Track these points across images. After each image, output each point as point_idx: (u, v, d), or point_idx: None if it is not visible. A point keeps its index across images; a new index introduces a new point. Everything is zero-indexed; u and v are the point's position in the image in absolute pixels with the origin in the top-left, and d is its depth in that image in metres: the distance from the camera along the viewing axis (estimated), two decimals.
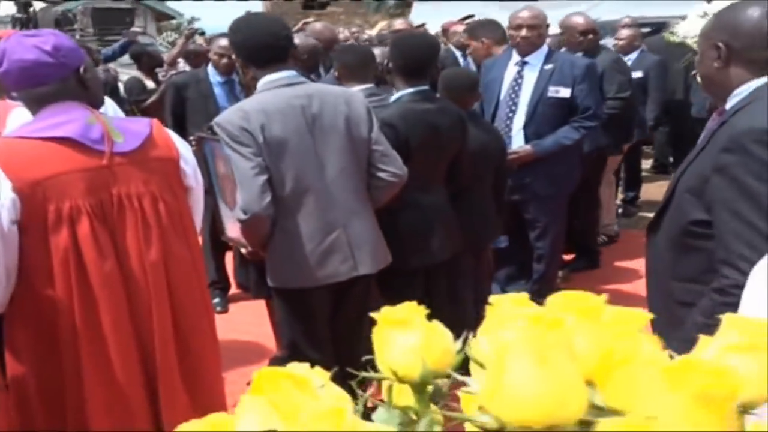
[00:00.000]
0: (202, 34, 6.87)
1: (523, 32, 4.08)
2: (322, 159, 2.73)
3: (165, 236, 2.02)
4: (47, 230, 1.87)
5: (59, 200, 1.87)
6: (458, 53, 6.27)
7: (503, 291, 4.34)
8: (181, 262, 2.08)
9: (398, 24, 7.07)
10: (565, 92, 3.99)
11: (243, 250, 2.99)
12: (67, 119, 1.93)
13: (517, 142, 4.06)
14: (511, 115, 4.11)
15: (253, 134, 2.63)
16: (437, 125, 3.16)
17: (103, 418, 1.95)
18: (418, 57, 3.19)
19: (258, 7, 18.98)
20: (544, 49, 4.14)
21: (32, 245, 1.88)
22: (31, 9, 5.68)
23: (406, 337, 0.64)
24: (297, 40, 3.53)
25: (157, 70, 6.79)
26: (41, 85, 1.95)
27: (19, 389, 1.96)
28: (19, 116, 2.41)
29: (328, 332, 2.94)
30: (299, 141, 2.68)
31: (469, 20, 7.22)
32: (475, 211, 3.54)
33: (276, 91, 2.71)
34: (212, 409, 2.11)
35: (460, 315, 3.45)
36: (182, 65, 6.94)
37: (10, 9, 6.71)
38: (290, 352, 3.03)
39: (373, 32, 8.41)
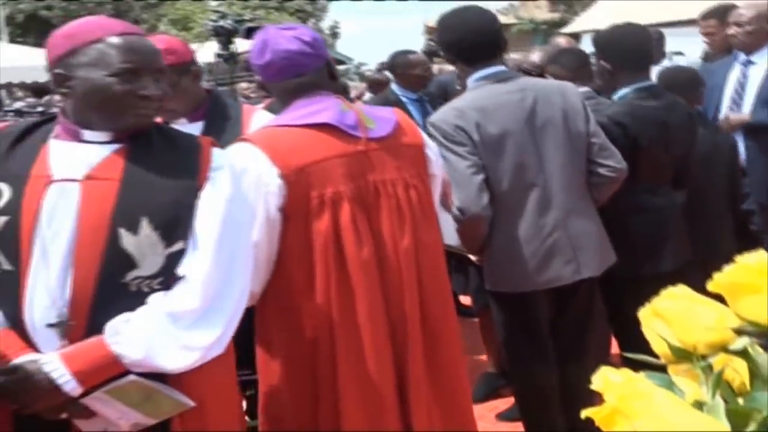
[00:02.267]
0: (380, 70, 7.04)
1: (735, 29, 3.85)
2: (541, 155, 2.61)
3: (416, 223, 2.00)
4: (310, 216, 1.87)
5: (322, 186, 1.88)
6: None
7: None
8: (429, 249, 2.04)
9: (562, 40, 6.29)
10: None
11: (472, 257, 2.87)
12: (323, 107, 1.95)
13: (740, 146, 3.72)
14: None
15: (468, 132, 2.56)
16: (667, 123, 2.93)
17: (357, 414, 1.89)
18: (636, 49, 2.98)
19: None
20: None
21: (294, 232, 1.89)
22: (232, 46, 5.96)
23: None
24: None
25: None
26: (301, 75, 1.98)
27: (269, 384, 1.96)
28: (262, 118, 2.47)
29: (551, 342, 2.78)
30: (517, 137, 2.58)
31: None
32: (706, 220, 3.25)
33: (488, 87, 2.64)
34: (456, 400, 2.02)
35: None
36: (367, 96, 7.08)
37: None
38: (512, 364, 2.87)
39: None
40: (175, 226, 1.55)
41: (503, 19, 33.19)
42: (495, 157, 2.58)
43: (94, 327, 1.50)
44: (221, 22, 6.02)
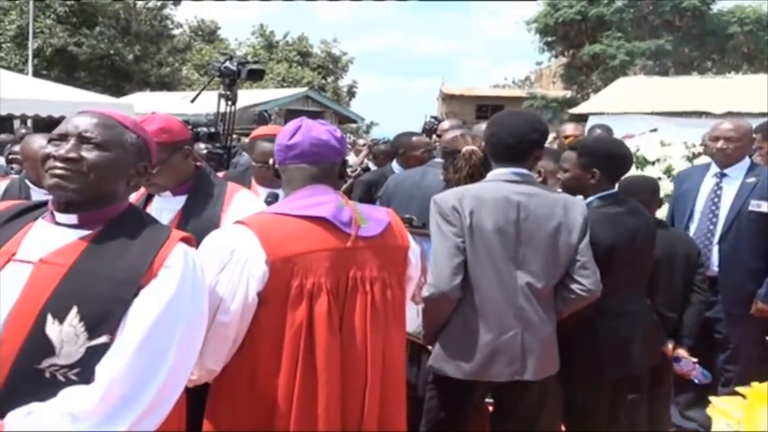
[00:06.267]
0: (386, 142, 7.14)
1: (720, 144, 3.98)
2: (520, 257, 2.70)
3: (387, 321, 2.06)
4: (287, 304, 1.92)
5: (304, 276, 1.93)
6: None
7: (681, 416, 4.06)
8: (394, 346, 2.10)
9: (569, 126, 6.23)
10: (767, 207, 3.78)
11: (428, 345, 2.93)
12: (324, 200, 2.03)
13: (714, 256, 3.87)
14: (712, 227, 3.95)
15: (461, 215, 2.68)
16: (634, 230, 3.03)
17: None
18: (616, 161, 3.08)
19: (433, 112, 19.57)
20: (746, 161, 3.98)
21: (269, 317, 1.92)
22: (232, 108, 6.11)
23: None
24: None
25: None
26: (319, 163, 2.08)
27: None
28: (244, 198, 2.60)
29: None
30: (502, 233, 2.69)
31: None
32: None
33: (499, 183, 2.77)
34: None
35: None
36: (366, 163, 7.23)
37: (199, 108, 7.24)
38: None
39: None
40: (103, 320, 1.52)
41: (516, 93, 33.54)
42: (477, 246, 2.68)
43: (3, 407, 1.49)
44: (227, 63, 6.11)
